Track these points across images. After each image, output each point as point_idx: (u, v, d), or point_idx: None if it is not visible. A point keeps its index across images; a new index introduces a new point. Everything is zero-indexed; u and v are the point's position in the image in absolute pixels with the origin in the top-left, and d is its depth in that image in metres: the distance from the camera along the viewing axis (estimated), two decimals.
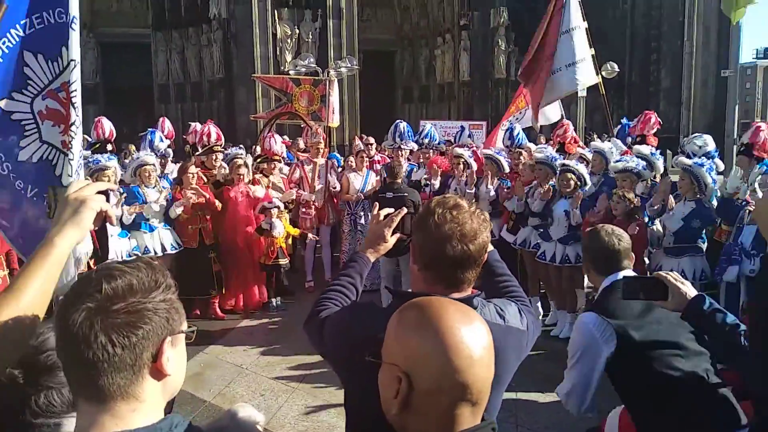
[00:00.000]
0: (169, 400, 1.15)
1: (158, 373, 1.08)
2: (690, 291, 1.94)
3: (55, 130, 2.51)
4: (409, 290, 1.79)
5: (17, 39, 2.43)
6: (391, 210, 2.08)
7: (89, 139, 8.47)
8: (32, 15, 2.44)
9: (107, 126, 8.24)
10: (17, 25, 2.43)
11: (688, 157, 6.10)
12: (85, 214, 1.42)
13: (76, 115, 2.50)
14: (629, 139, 8.36)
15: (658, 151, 7.11)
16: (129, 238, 6.45)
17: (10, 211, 2.52)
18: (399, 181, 7.06)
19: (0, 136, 2.48)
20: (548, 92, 8.91)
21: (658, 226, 5.78)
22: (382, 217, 2.06)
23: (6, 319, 1.27)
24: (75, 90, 2.48)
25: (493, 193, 7.16)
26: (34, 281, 1.33)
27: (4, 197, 2.50)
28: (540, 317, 6.64)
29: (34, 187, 2.51)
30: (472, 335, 1.10)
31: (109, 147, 8.03)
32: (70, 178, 2.50)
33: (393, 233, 2.05)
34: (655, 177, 6.45)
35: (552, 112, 9.83)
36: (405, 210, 2.11)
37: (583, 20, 8.23)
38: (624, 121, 9.65)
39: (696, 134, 7.23)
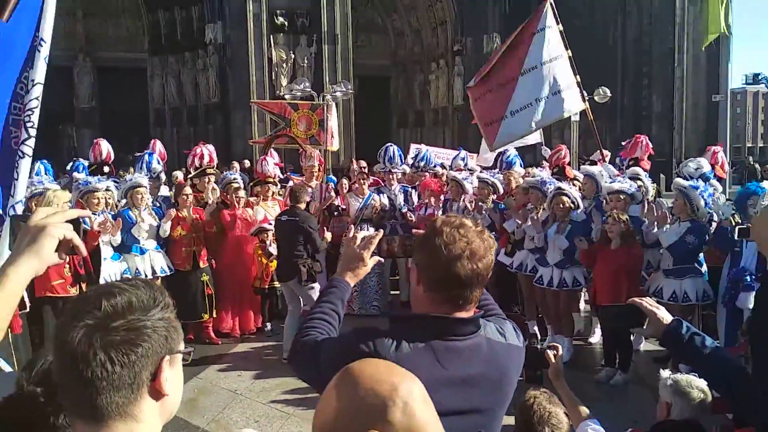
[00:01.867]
0: (165, 422, 1.12)
1: (157, 393, 1.06)
2: (666, 316, 1.85)
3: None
4: (413, 313, 1.76)
5: None
6: (368, 233, 2.08)
7: (85, 162, 8.44)
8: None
9: (105, 147, 8.20)
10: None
11: (686, 179, 6.16)
12: (43, 242, 1.33)
13: (27, 135, 2.54)
14: (618, 161, 8.34)
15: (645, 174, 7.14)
16: (120, 261, 6.39)
17: None
18: (300, 205, 6.65)
19: None
20: (505, 135, 7.90)
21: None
22: (359, 241, 2.03)
23: None
24: (31, 109, 2.54)
25: (488, 217, 7.16)
26: None
27: None
28: (539, 341, 6.57)
29: None
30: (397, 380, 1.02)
31: (107, 169, 7.99)
32: (13, 199, 2.52)
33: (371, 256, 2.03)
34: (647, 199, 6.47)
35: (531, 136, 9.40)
36: (381, 232, 2.15)
37: (566, 48, 7.92)
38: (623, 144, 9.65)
39: (690, 158, 7.26)
